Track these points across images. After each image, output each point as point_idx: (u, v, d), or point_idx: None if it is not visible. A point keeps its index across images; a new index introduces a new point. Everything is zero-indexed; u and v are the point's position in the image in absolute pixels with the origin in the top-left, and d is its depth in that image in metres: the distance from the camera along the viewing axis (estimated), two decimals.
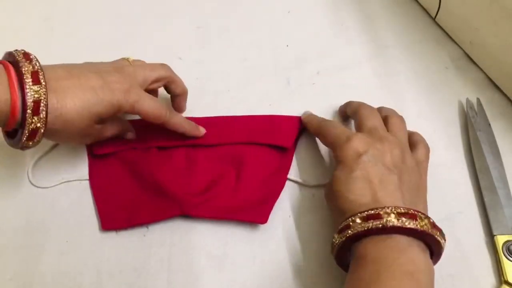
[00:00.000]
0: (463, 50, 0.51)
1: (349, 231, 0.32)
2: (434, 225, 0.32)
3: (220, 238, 0.40)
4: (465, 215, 0.41)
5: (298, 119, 0.44)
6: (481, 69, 0.49)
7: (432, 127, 0.46)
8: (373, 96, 0.48)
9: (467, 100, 0.46)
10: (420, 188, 0.36)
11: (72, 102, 0.34)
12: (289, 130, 0.44)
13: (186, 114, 0.46)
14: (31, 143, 0.35)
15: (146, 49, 0.52)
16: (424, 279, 0.30)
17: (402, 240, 0.31)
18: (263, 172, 0.42)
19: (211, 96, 0.48)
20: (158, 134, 0.43)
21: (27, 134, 0.33)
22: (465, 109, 0.46)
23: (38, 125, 0.33)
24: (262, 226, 0.41)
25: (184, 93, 0.44)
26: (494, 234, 0.39)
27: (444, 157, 0.44)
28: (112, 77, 0.37)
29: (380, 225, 0.31)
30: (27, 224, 0.41)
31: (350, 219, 0.32)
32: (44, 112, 0.33)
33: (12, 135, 0.36)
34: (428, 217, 0.32)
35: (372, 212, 0.32)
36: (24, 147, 0.35)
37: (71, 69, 0.36)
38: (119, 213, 0.41)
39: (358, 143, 0.36)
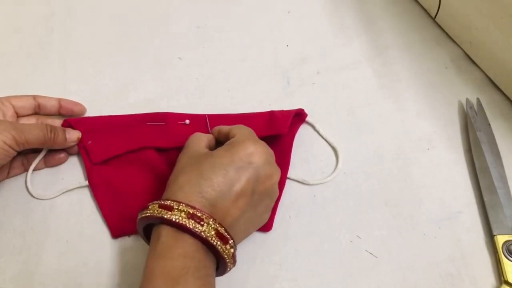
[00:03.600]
0: (463, 50, 0.51)
1: (169, 215, 0.31)
2: (233, 256, 0.33)
3: None
4: (465, 215, 0.41)
5: (294, 111, 0.44)
6: (481, 69, 0.49)
7: (432, 127, 0.46)
8: (373, 96, 0.48)
9: (467, 100, 0.46)
10: (255, 224, 0.38)
11: None
12: (284, 119, 0.43)
13: (185, 112, 0.46)
14: None
15: (146, 49, 0.52)
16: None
17: (203, 249, 0.32)
18: None
19: (211, 96, 0.48)
20: (154, 134, 0.43)
21: None
22: (465, 109, 0.46)
23: None
24: None
25: (61, 105, 0.44)
26: (494, 234, 0.39)
27: (444, 157, 0.44)
28: None
29: (196, 230, 0.31)
30: (27, 224, 0.41)
31: (178, 204, 0.31)
32: None
33: None
34: (234, 248, 0.33)
35: (198, 213, 0.31)
36: None
37: None
38: (126, 219, 0.40)
39: (259, 152, 0.35)
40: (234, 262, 0.34)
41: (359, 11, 0.54)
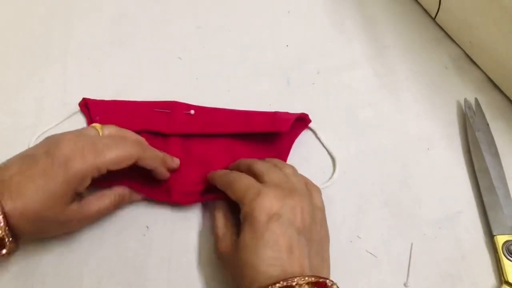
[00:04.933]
0: (463, 50, 0.51)
1: None
2: None
3: None
4: (465, 215, 0.41)
5: (298, 114, 0.44)
6: (481, 69, 0.49)
7: (431, 127, 0.46)
8: (373, 96, 0.48)
9: (465, 100, 0.46)
10: (324, 244, 0.35)
11: (27, 196, 0.31)
12: (286, 118, 0.44)
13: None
14: (4, 251, 0.32)
15: (146, 49, 0.52)
16: None
17: None
18: None
19: (211, 96, 0.48)
20: (158, 120, 0.44)
21: None
22: (464, 109, 0.46)
23: (1, 234, 0.31)
24: None
25: (157, 168, 0.39)
26: (494, 234, 0.39)
27: (444, 157, 0.44)
28: (63, 149, 0.33)
29: None
30: None
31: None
32: (3, 220, 0.30)
33: None
34: (334, 283, 0.31)
35: (285, 284, 0.29)
36: None
37: (21, 159, 0.33)
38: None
39: (268, 200, 0.33)
40: None
41: (359, 11, 0.55)
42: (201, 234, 0.40)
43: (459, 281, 0.38)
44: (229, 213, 0.39)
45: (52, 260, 0.39)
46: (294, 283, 0.29)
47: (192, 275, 0.39)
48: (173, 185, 0.41)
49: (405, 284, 0.38)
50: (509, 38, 0.43)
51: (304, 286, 0.29)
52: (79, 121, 0.46)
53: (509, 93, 0.47)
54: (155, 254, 0.40)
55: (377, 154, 0.45)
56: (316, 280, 0.30)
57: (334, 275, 0.38)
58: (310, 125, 0.46)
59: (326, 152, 0.45)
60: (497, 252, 0.39)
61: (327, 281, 0.31)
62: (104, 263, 0.39)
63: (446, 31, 0.52)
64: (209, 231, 0.40)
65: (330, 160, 0.44)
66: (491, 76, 0.48)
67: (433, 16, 0.53)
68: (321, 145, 0.45)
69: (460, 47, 0.51)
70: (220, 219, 0.38)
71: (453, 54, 0.51)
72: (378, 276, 0.39)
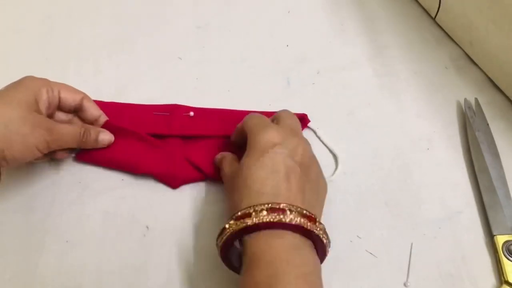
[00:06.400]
0: (463, 50, 0.51)
1: (250, 220, 0.30)
2: (325, 231, 0.33)
3: None
4: (465, 215, 0.41)
5: (297, 114, 0.44)
6: (481, 69, 0.49)
7: (431, 127, 0.46)
8: (373, 96, 0.48)
9: (465, 100, 0.46)
10: (320, 193, 0.36)
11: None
12: None
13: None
14: None
15: (146, 49, 0.52)
16: (316, 281, 0.30)
17: (296, 239, 0.31)
18: None
19: (211, 96, 0.48)
20: (156, 123, 0.44)
21: None
22: (464, 109, 0.46)
23: None
24: None
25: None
26: (494, 234, 0.39)
27: (444, 157, 0.44)
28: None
29: (284, 220, 0.30)
30: (27, 224, 0.41)
31: (253, 208, 0.31)
32: None
33: None
34: (322, 224, 0.32)
35: (276, 206, 0.31)
36: None
37: None
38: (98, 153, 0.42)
39: (272, 133, 0.36)
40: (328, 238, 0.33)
41: (359, 11, 0.55)
42: (202, 234, 0.40)
43: (459, 281, 0.38)
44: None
45: (52, 260, 0.39)
46: (286, 208, 0.31)
47: (192, 275, 0.39)
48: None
49: (405, 284, 0.38)
50: (509, 38, 0.43)
51: (294, 213, 0.31)
52: None
53: (509, 93, 0.47)
54: (155, 254, 0.40)
55: (377, 154, 0.45)
56: (306, 212, 0.31)
57: (334, 275, 0.39)
58: (310, 124, 0.46)
59: (326, 152, 0.45)
60: (497, 252, 0.39)
61: (316, 218, 0.32)
62: (104, 263, 0.39)
63: (446, 31, 0.52)
64: (210, 232, 0.40)
65: (330, 160, 0.44)
66: (491, 76, 0.48)
67: (433, 16, 0.53)
68: (321, 145, 0.45)
69: (460, 47, 0.51)
70: (230, 155, 0.41)
71: (453, 54, 0.51)
72: (378, 276, 0.39)
